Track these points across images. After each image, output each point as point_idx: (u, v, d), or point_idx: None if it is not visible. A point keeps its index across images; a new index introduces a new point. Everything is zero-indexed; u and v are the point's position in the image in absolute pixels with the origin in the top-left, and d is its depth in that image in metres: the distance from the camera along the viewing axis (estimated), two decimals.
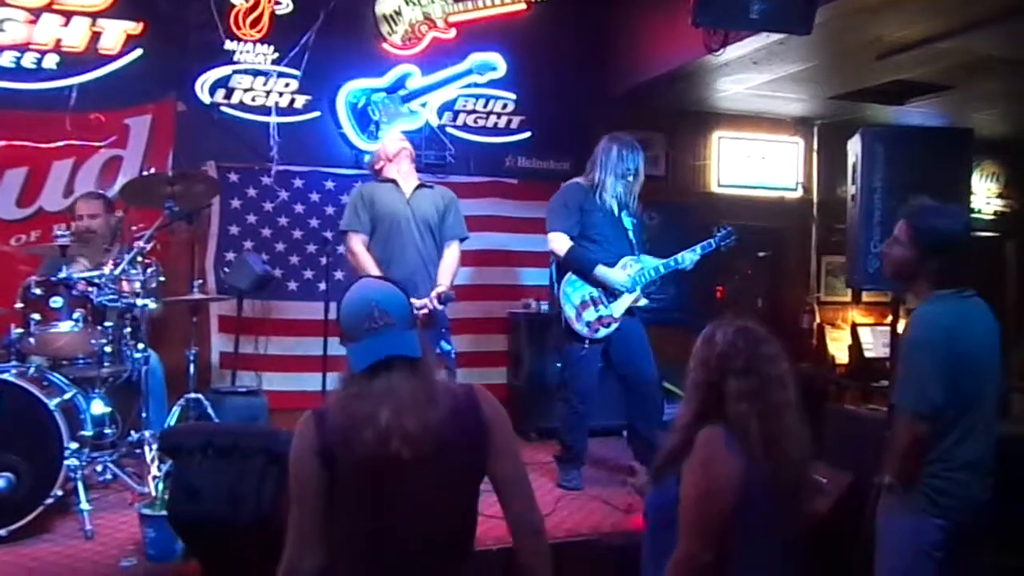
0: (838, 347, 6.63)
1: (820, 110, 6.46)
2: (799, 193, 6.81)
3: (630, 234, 4.23)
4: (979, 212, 7.33)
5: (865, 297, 6.74)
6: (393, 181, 4.10)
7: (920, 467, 2.40)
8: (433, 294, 3.88)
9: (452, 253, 4.09)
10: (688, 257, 4.21)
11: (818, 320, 6.78)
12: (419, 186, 4.16)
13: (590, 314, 4.11)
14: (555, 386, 4.52)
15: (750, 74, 5.34)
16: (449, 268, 4.04)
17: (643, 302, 4.20)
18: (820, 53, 4.85)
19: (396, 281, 1.98)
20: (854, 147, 4.35)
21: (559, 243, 4.12)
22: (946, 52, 4.74)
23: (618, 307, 4.13)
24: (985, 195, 7.51)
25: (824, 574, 3.16)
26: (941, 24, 4.37)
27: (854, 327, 6.58)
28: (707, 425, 1.91)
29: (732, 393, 1.89)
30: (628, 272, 4.14)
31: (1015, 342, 7.23)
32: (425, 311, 3.82)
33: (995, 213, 7.58)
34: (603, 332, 4.11)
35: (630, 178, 4.14)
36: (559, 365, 4.91)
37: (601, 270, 4.08)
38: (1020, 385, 6.96)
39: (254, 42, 5.16)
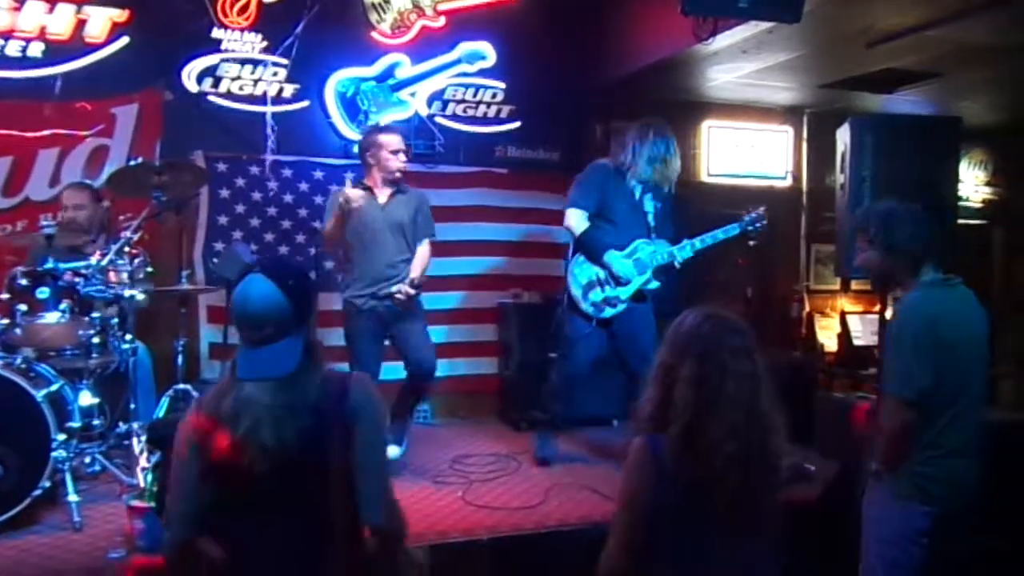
0: (827, 335, 6.66)
1: (809, 99, 6.46)
2: (788, 182, 6.82)
3: (649, 217, 4.19)
4: (967, 200, 7.35)
5: (854, 285, 6.76)
6: (369, 188, 4.14)
7: (908, 453, 2.42)
8: (406, 283, 4.04)
9: (423, 250, 4.24)
10: (706, 241, 4.13)
11: (807, 308, 6.81)
12: (393, 193, 4.22)
13: (596, 294, 4.11)
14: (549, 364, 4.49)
15: (740, 63, 5.33)
16: (420, 263, 4.19)
17: (654, 285, 4.17)
18: (810, 42, 4.84)
19: (292, 270, 1.96)
20: (843, 136, 4.37)
21: (575, 220, 4.12)
22: (935, 40, 4.74)
23: (625, 289, 4.12)
24: (973, 183, 7.54)
25: (814, 560, 3.19)
26: (931, 12, 4.37)
27: (843, 315, 6.61)
28: (665, 417, 1.87)
29: (682, 377, 1.84)
30: (638, 256, 4.11)
31: (1003, 328, 7.31)
32: (401, 296, 4.01)
33: (983, 201, 7.61)
34: (609, 312, 4.10)
35: (658, 164, 4.09)
36: (552, 355, 4.92)
37: (609, 256, 4.07)
38: (1008, 371, 7.04)
39: (242, 30, 5.11)
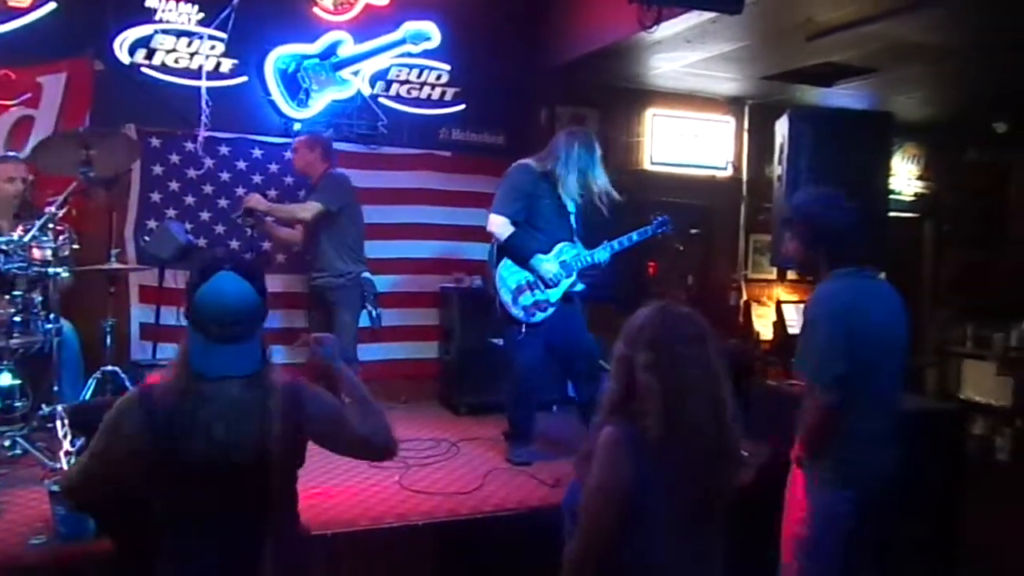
0: (763, 323, 6.80)
1: (752, 90, 6.56)
2: (729, 172, 6.92)
3: (571, 219, 4.23)
4: (900, 193, 7.56)
5: (790, 275, 6.92)
6: None
7: (828, 439, 2.48)
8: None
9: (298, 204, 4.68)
10: (623, 243, 4.23)
11: (745, 297, 6.94)
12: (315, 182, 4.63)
13: (526, 298, 4.10)
14: (501, 364, 4.50)
15: (684, 52, 5.37)
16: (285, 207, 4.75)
17: (579, 287, 4.21)
18: (752, 33, 4.91)
19: (258, 271, 1.98)
20: (781, 129, 4.44)
21: (500, 227, 4.08)
22: (872, 36, 4.84)
23: (555, 292, 4.14)
24: (906, 176, 7.75)
25: (746, 544, 3.26)
26: (867, 8, 4.46)
27: (779, 304, 6.76)
28: (629, 408, 1.90)
29: (640, 366, 1.88)
30: (563, 258, 4.14)
31: (929, 319, 7.57)
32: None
33: (915, 194, 7.83)
34: (539, 316, 4.11)
35: (583, 177, 4.11)
36: (493, 340, 4.92)
37: (536, 260, 4.07)
38: (934, 360, 7.30)
39: (177, 1, 4.95)
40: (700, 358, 1.90)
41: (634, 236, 4.24)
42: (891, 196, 5.78)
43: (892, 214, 5.31)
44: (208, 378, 1.85)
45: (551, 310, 4.13)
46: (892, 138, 4.96)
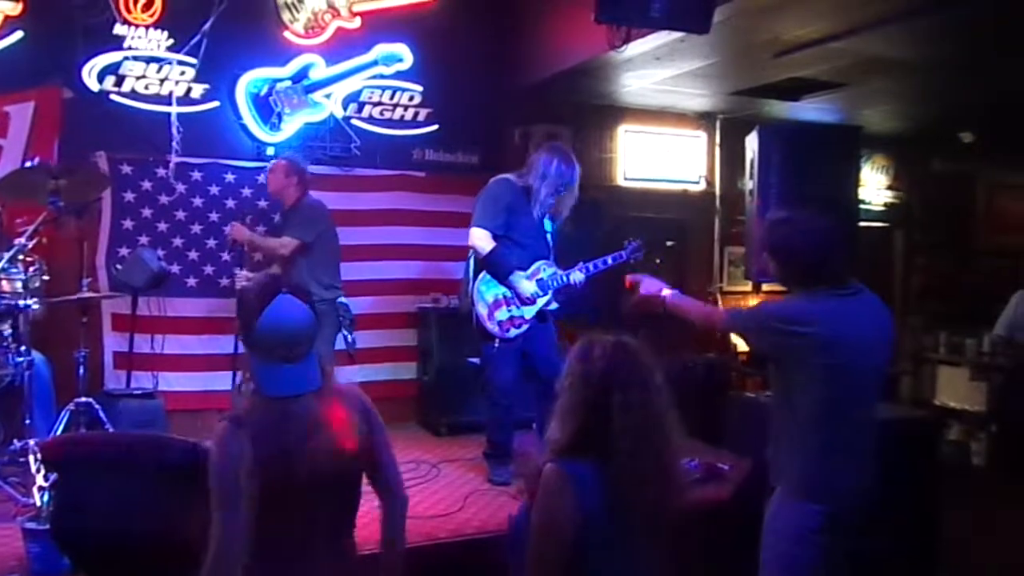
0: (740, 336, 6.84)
1: (722, 105, 6.63)
2: (702, 186, 6.98)
3: (549, 237, 4.25)
4: (870, 204, 7.67)
5: (765, 287, 6.96)
6: None
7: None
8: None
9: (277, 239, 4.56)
10: (597, 266, 4.24)
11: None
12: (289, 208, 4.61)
13: (502, 313, 4.11)
14: (478, 383, 4.50)
15: (654, 70, 5.43)
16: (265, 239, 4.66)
17: (553, 306, 4.22)
18: (720, 51, 4.97)
19: (311, 295, 2.08)
20: (751, 144, 4.49)
21: (482, 241, 4.08)
22: (839, 52, 4.92)
23: (530, 309, 4.15)
24: (876, 187, 7.87)
25: (726, 558, 3.27)
26: (833, 25, 4.53)
27: None
28: (585, 445, 1.89)
29: (617, 407, 1.86)
30: (540, 276, 4.16)
31: (902, 327, 7.66)
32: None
33: (885, 204, 7.95)
34: (514, 332, 4.12)
35: (563, 191, 4.15)
36: (471, 360, 4.91)
37: (515, 277, 4.07)
38: (907, 369, 7.39)
39: (147, 27, 4.93)
40: (660, 389, 1.91)
41: (608, 260, 4.25)
42: (861, 206, 5.87)
43: (863, 224, 5.39)
44: (284, 398, 1.92)
45: (525, 327, 4.14)
46: (860, 150, 5.03)
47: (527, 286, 4.10)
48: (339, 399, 2.03)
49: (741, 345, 6.74)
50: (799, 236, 2.56)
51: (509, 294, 4.12)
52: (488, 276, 4.14)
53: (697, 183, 6.96)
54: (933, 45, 4.89)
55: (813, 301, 2.52)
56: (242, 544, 1.84)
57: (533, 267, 4.17)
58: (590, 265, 4.23)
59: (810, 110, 6.40)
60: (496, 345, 4.11)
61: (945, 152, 7.90)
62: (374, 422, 2.09)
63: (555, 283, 4.18)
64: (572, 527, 1.84)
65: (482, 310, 4.11)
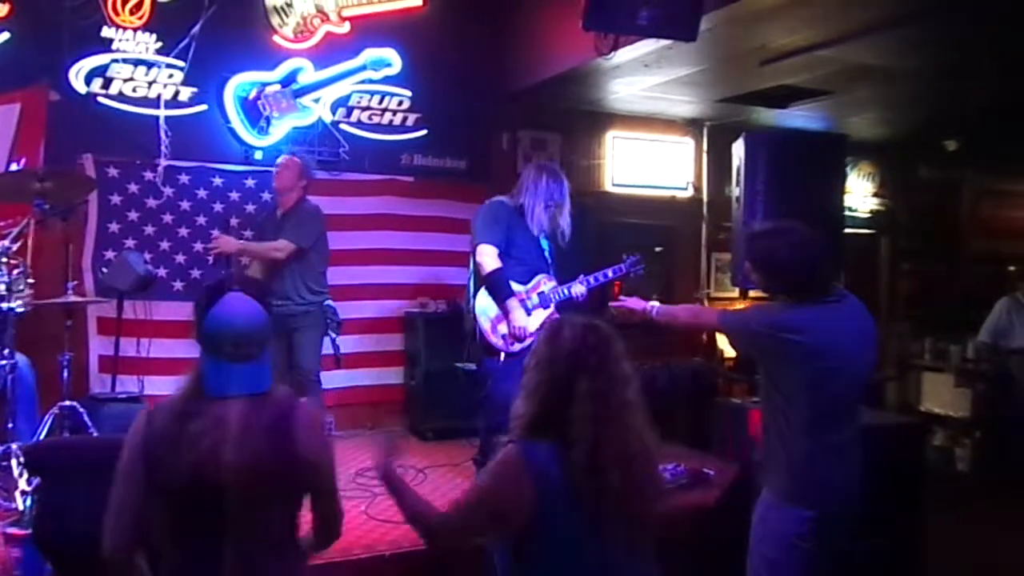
0: (727, 342, 6.86)
1: (709, 112, 6.66)
2: (690, 192, 7.01)
3: (546, 254, 4.26)
4: (856, 210, 7.72)
5: (752, 293, 6.97)
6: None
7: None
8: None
9: (272, 243, 4.41)
10: (598, 279, 4.24)
11: None
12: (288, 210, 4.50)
13: (504, 327, 4.10)
14: (474, 392, 4.49)
15: (642, 76, 5.45)
16: (259, 244, 4.49)
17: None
18: (708, 58, 5.00)
19: (265, 291, 2.01)
20: (738, 151, 4.51)
21: (488, 258, 4.04)
22: (825, 60, 4.97)
23: (532, 323, 4.14)
24: (862, 194, 7.92)
25: (713, 563, 3.28)
26: (819, 34, 4.57)
27: None
28: (546, 426, 1.87)
29: (581, 393, 1.83)
30: (541, 289, 4.15)
31: (888, 333, 7.71)
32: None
33: (871, 211, 8.00)
34: (518, 346, 4.09)
35: (554, 207, 4.15)
36: (459, 365, 4.91)
37: (511, 305, 4.03)
38: (892, 375, 7.43)
39: (135, 30, 4.91)
40: (628, 374, 1.88)
41: (609, 273, 4.24)
42: (847, 213, 5.91)
43: (849, 230, 5.42)
44: (220, 398, 1.86)
45: (529, 340, 4.12)
46: (846, 158, 5.07)
47: (521, 318, 4.03)
48: (282, 410, 1.91)
49: (728, 351, 6.79)
50: (782, 250, 2.57)
51: None
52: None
53: (685, 189, 6.99)
54: (918, 54, 4.94)
55: (800, 309, 2.53)
56: (130, 522, 1.84)
57: (534, 281, 4.16)
58: (591, 278, 4.22)
59: (797, 117, 6.44)
60: (501, 360, 4.10)
61: (930, 159, 7.97)
62: (317, 446, 1.94)
63: (556, 296, 4.18)
64: (522, 514, 1.81)
65: (485, 324, 4.09)
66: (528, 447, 1.87)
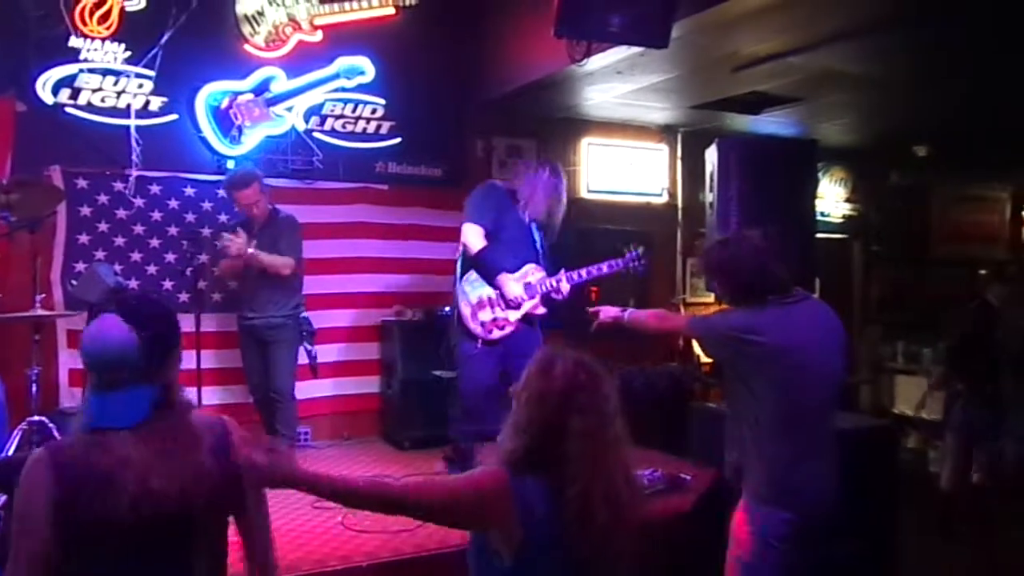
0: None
1: (683, 118, 6.71)
2: (664, 198, 7.04)
3: (537, 244, 4.24)
4: (828, 215, 7.81)
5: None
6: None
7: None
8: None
9: (281, 258, 4.41)
10: (591, 273, 4.16)
11: None
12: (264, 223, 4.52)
13: (485, 314, 4.08)
14: (447, 397, 4.48)
15: (615, 83, 5.48)
16: (270, 257, 4.40)
17: (541, 310, 4.19)
18: (680, 65, 5.03)
19: (153, 312, 1.87)
20: (711, 157, 4.55)
21: (473, 238, 4.07)
22: (796, 67, 5.02)
23: (514, 312, 4.13)
24: (834, 199, 8.01)
25: (687, 566, 3.29)
26: (790, 41, 4.61)
27: None
28: (536, 463, 1.84)
29: (574, 432, 1.81)
30: (528, 279, 4.14)
31: (862, 336, 7.79)
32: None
33: (843, 216, 8.10)
34: (497, 334, 4.09)
35: (551, 202, 4.16)
36: (436, 373, 4.89)
37: (502, 279, 4.05)
38: (866, 378, 7.51)
39: (103, 39, 4.85)
40: (616, 414, 1.87)
41: (604, 267, 4.16)
42: (820, 218, 5.97)
43: (822, 235, 5.46)
44: (101, 429, 1.71)
45: (509, 329, 4.11)
46: (818, 163, 5.12)
47: (514, 288, 4.07)
48: (179, 437, 1.77)
49: (703, 355, 6.82)
50: (735, 257, 2.67)
51: (494, 295, 4.10)
52: (473, 277, 4.13)
53: (660, 195, 7.03)
54: (887, 61, 5.01)
55: (762, 312, 2.59)
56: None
57: (522, 270, 4.15)
58: (582, 271, 4.14)
59: (769, 123, 6.50)
60: (478, 346, 4.09)
61: (901, 165, 8.08)
62: (225, 462, 1.80)
63: (543, 288, 4.15)
64: (508, 546, 1.79)
65: (465, 310, 4.09)
66: (517, 482, 1.83)
